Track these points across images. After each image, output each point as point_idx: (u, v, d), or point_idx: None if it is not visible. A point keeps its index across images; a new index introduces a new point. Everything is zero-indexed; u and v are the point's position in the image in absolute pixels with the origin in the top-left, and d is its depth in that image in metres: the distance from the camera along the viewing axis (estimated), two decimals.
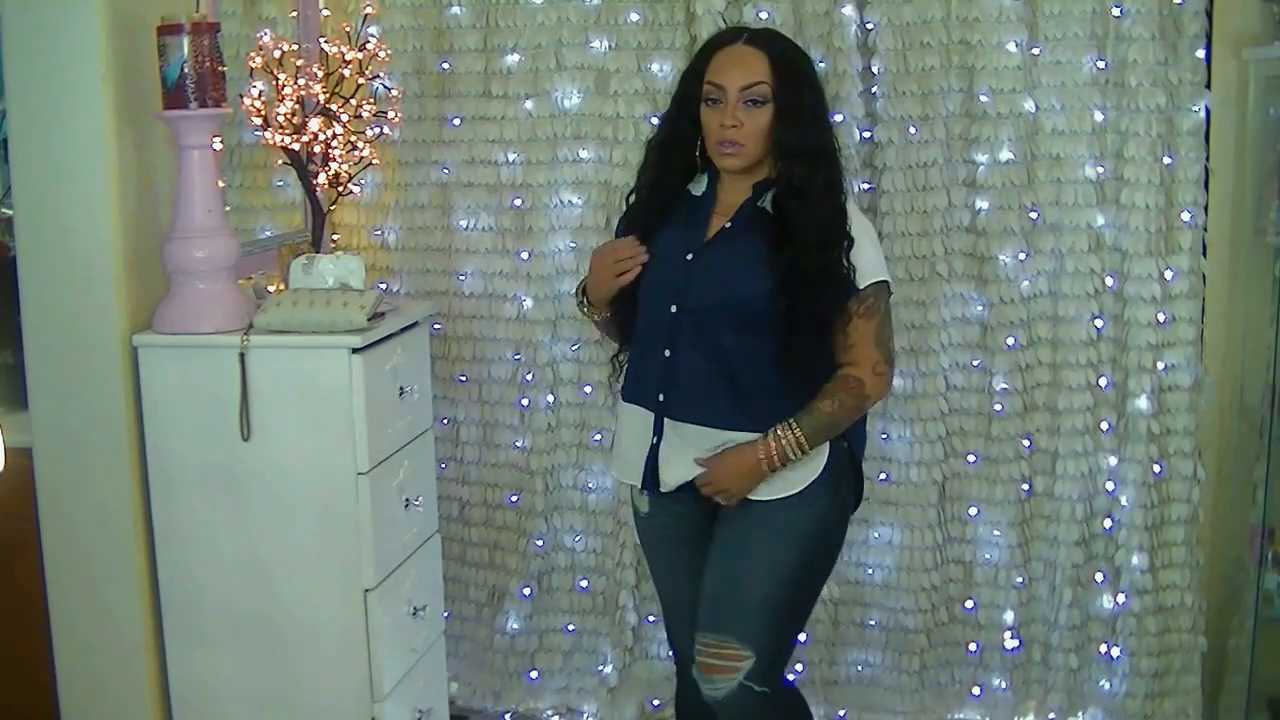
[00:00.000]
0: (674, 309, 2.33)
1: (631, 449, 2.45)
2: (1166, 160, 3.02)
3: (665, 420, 2.37)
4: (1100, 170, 3.06)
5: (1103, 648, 3.19)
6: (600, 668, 3.40)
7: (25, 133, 2.50)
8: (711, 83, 2.29)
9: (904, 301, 3.08)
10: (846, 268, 2.28)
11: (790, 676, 3.27)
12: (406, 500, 2.70)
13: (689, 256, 2.34)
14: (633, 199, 2.49)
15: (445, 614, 3.10)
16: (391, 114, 3.01)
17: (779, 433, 2.28)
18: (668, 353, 2.35)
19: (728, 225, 2.35)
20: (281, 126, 2.71)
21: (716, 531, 2.40)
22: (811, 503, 2.34)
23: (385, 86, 3.04)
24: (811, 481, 2.33)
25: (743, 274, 2.28)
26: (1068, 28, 3.01)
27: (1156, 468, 3.12)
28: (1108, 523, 3.16)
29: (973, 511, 3.21)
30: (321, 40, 3.00)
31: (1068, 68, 3.03)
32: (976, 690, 3.27)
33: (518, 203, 3.28)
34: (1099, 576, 3.18)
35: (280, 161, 2.85)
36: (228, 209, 2.66)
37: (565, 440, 3.36)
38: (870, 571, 3.24)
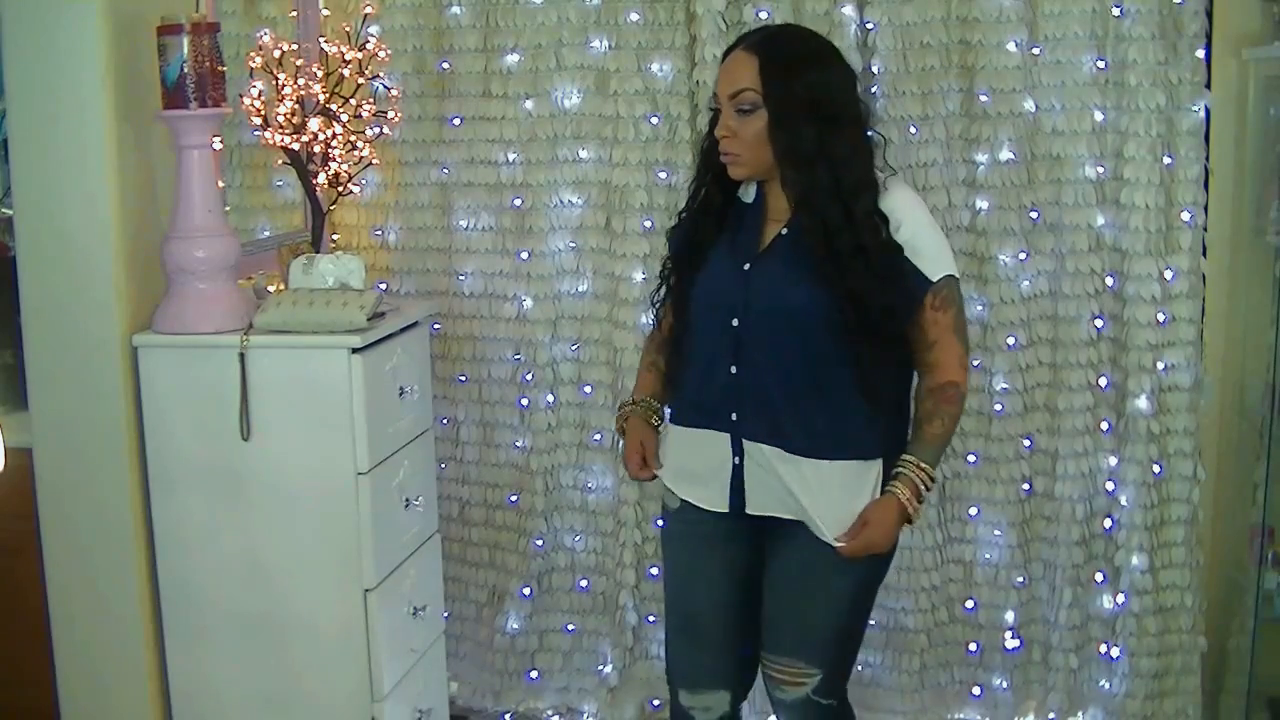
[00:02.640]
0: (735, 322, 2.26)
1: (709, 476, 2.35)
2: (1166, 160, 3.02)
3: (744, 441, 2.29)
4: (1100, 170, 3.06)
5: (1103, 648, 3.19)
6: (600, 668, 3.40)
7: (25, 133, 2.50)
8: (715, 92, 2.28)
9: None
10: (900, 271, 2.19)
11: None
12: (406, 500, 2.70)
13: (746, 266, 2.27)
14: (683, 212, 2.44)
15: (445, 614, 3.10)
16: (391, 114, 3.01)
17: (908, 473, 2.21)
18: (734, 369, 2.27)
19: (783, 232, 2.26)
20: (281, 126, 2.71)
21: (770, 554, 2.36)
22: None
23: (385, 86, 3.04)
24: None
25: (800, 281, 2.20)
26: (1068, 27, 3.01)
27: (1156, 468, 3.12)
28: (1108, 523, 3.16)
29: (973, 511, 3.21)
30: (321, 40, 3.00)
31: (1068, 67, 3.02)
32: (976, 690, 3.27)
33: (518, 203, 3.28)
34: (1099, 576, 3.18)
35: (280, 161, 2.85)
36: (228, 209, 2.66)
37: (565, 440, 3.36)
38: None
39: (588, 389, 3.32)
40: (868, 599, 2.39)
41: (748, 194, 2.35)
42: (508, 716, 3.42)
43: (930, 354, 2.24)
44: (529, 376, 3.34)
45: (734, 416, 2.29)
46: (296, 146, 2.76)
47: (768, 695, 2.44)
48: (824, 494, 2.26)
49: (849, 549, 2.23)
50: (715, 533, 2.40)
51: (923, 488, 2.23)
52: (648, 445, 2.46)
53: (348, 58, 2.85)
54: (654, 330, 2.55)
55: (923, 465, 2.23)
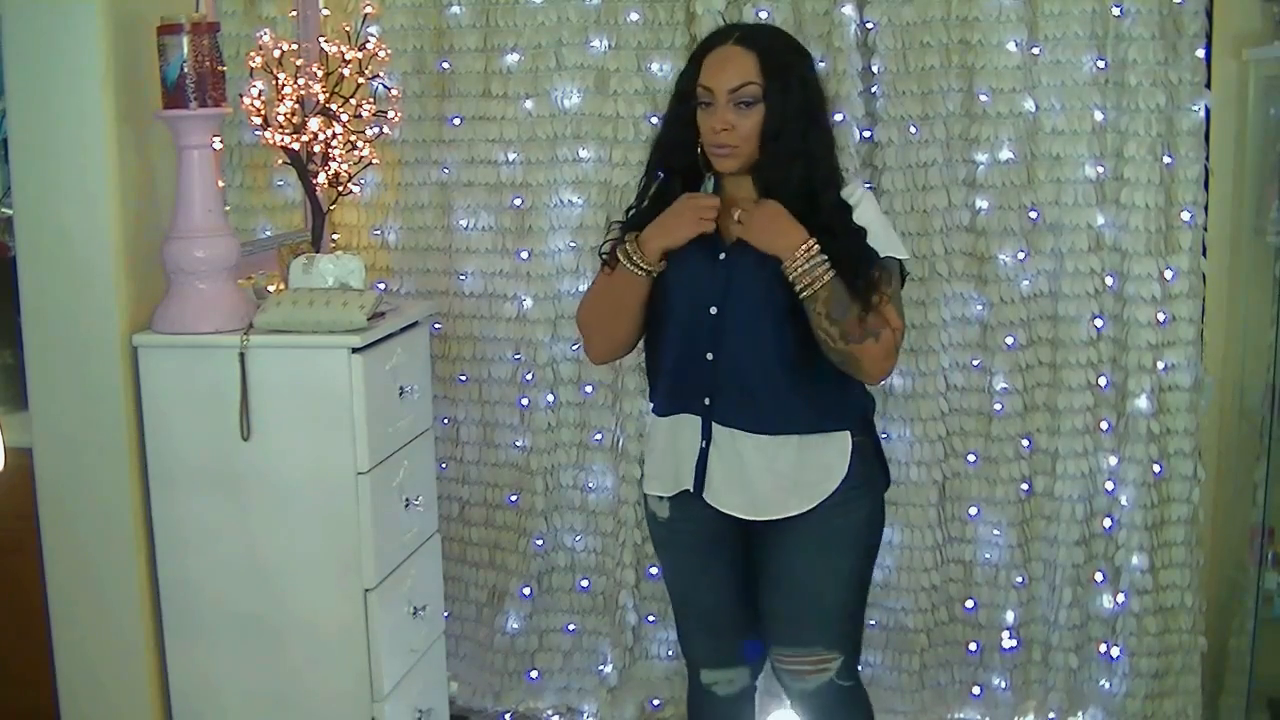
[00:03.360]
0: (714, 310, 2.29)
1: (679, 458, 2.39)
2: (1166, 160, 3.02)
3: (714, 425, 2.33)
4: (1100, 170, 3.06)
5: (1103, 648, 3.19)
6: (600, 668, 3.40)
7: (25, 133, 2.50)
8: (703, 85, 2.27)
9: (905, 300, 3.06)
10: (860, 255, 2.24)
11: None
12: (406, 500, 2.70)
13: (721, 256, 2.30)
14: (632, 210, 2.43)
15: (445, 614, 3.10)
16: (391, 114, 3.01)
17: (814, 247, 2.18)
18: (710, 355, 2.31)
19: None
20: (281, 126, 2.71)
21: (764, 551, 2.39)
22: (856, 506, 2.35)
23: (385, 86, 3.04)
24: (842, 485, 2.32)
25: (779, 268, 2.23)
26: (1068, 27, 3.01)
27: (1156, 468, 3.12)
28: (1107, 523, 3.16)
29: (973, 511, 3.21)
30: (321, 40, 3.00)
31: (1068, 67, 3.02)
32: (976, 690, 3.27)
33: (518, 202, 3.28)
34: (1099, 576, 3.18)
35: (280, 161, 2.85)
36: (228, 209, 2.66)
37: (565, 440, 3.36)
38: None
39: (588, 389, 3.32)
40: (869, 573, 2.46)
41: (706, 187, 2.35)
42: (508, 716, 3.42)
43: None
44: (529, 376, 3.34)
45: (707, 401, 2.34)
46: (296, 146, 2.76)
47: (784, 689, 2.47)
48: (797, 468, 2.32)
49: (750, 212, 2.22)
50: (706, 539, 2.44)
51: (816, 263, 2.17)
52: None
53: (348, 58, 2.85)
54: None
55: (821, 258, 2.18)
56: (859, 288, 2.21)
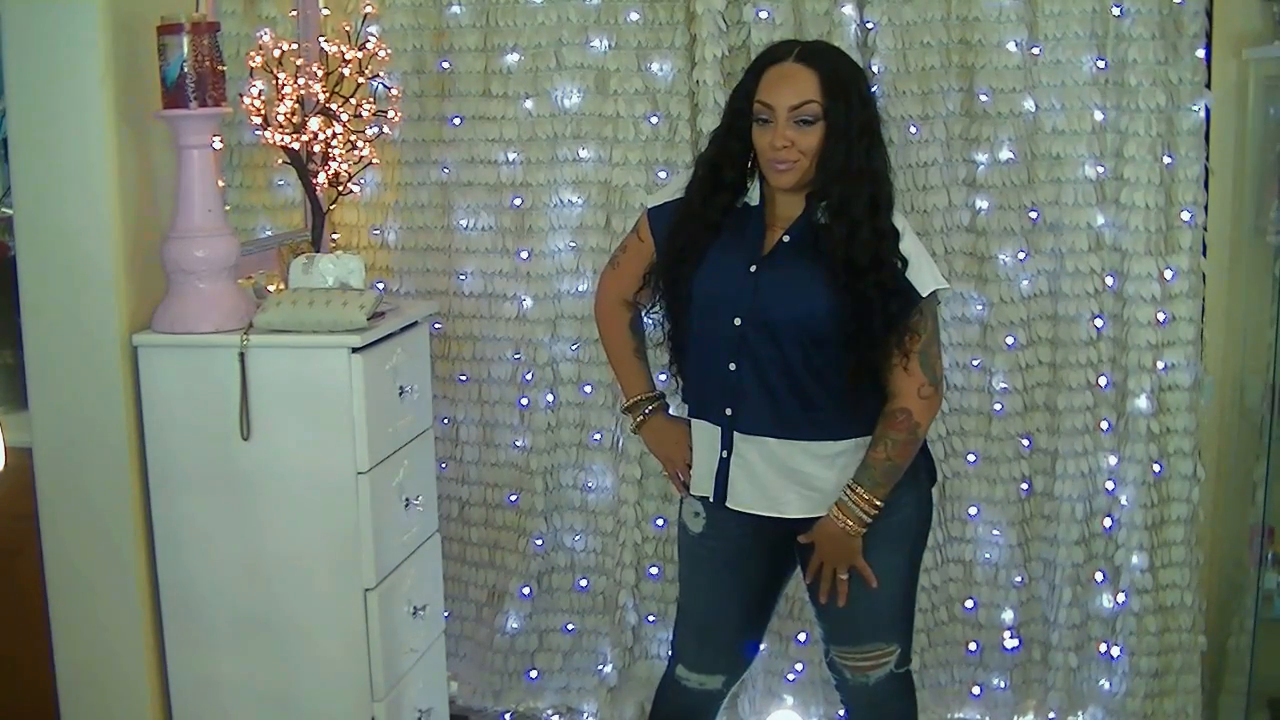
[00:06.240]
0: (738, 322, 2.31)
1: (702, 462, 2.45)
2: (1166, 160, 3.02)
3: (735, 435, 2.37)
4: (1100, 170, 3.06)
5: (1102, 647, 3.20)
6: (600, 668, 3.40)
7: (25, 133, 2.49)
8: (761, 102, 2.26)
9: None
10: (903, 286, 2.26)
11: (790, 677, 3.29)
12: (406, 500, 2.70)
13: (752, 269, 2.31)
14: (653, 201, 2.48)
15: (445, 614, 3.10)
16: (391, 113, 3.01)
17: (847, 500, 2.30)
18: (732, 366, 2.33)
19: (785, 239, 2.31)
20: (281, 126, 2.71)
21: (812, 554, 2.42)
22: (904, 503, 2.38)
23: (385, 86, 3.04)
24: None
25: (810, 288, 2.26)
26: (1068, 27, 3.01)
27: (1156, 467, 3.12)
28: (1107, 522, 3.16)
29: (972, 511, 3.21)
30: (321, 40, 3.00)
31: (1068, 67, 3.03)
32: (976, 690, 3.27)
33: (518, 202, 3.28)
34: (1099, 576, 3.18)
35: (280, 161, 2.85)
36: (228, 209, 2.66)
37: (565, 440, 3.35)
38: None
39: (588, 389, 3.32)
40: (918, 567, 2.51)
41: (750, 197, 2.37)
42: (508, 716, 3.42)
43: (893, 374, 2.30)
44: (529, 376, 3.34)
45: (728, 411, 2.36)
46: (296, 146, 2.76)
47: (841, 686, 2.51)
48: (835, 469, 2.35)
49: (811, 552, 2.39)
50: (729, 556, 2.48)
51: (860, 511, 2.31)
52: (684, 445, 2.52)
53: (348, 57, 2.85)
54: (615, 305, 2.60)
55: (858, 489, 2.30)
56: (895, 341, 2.26)
